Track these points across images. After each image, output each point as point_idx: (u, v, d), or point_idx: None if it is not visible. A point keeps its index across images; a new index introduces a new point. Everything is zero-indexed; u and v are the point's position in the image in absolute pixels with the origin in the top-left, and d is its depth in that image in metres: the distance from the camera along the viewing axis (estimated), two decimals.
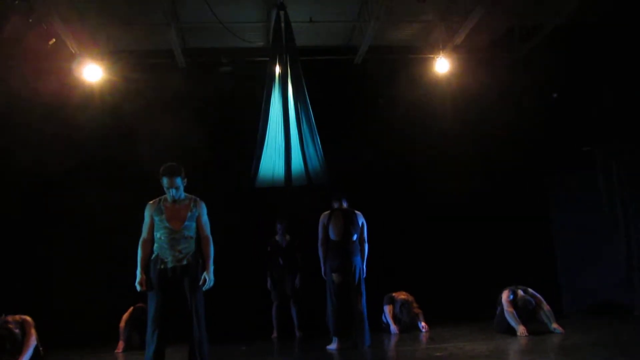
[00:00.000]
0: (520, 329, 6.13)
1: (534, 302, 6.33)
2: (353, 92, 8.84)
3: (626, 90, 8.02)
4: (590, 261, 8.32)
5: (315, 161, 8.73)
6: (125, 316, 6.89)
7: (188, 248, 4.39)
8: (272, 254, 7.56)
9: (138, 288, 4.31)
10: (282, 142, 8.70)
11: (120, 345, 6.70)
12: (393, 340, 6.49)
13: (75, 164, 7.92)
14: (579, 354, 4.75)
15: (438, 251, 8.43)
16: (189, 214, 4.41)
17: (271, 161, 8.57)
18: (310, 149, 8.72)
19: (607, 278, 8.16)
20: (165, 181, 4.37)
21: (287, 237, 7.63)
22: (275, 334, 7.43)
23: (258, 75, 8.07)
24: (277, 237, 7.63)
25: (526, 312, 6.31)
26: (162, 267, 4.32)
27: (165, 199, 4.45)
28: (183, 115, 7.98)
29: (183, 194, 4.47)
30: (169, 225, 4.35)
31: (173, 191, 4.37)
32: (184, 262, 4.34)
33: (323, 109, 8.27)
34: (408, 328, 7.12)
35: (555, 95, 8.70)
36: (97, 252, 7.84)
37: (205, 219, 4.51)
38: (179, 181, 4.38)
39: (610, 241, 8.11)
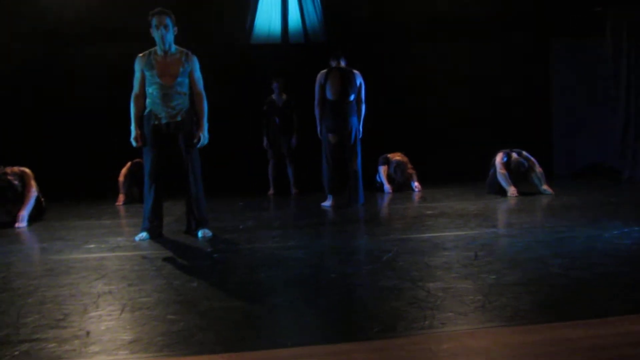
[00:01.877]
0: (511, 190, 6.29)
1: (526, 165, 6.41)
2: None
3: None
4: (586, 127, 8.34)
5: (313, 16, 8.35)
6: (123, 170, 6.99)
7: (182, 104, 4.29)
8: (268, 112, 7.47)
9: (134, 144, 4.30)
10: None
11: (121, 198, 6.88)
12: (386, 199, 6.67)
13: (69, 17, 7.55)
14: (567, 213, 4.90)
15: (435, 112, 8.38)
16: (181, 69, 4.25)
17: (267, 15, 8.19)
18: (308, 3, 8.30)
19: (600, 144, 8.25)
20: (154, 21, 4.18)
21: (284, 96, 7.47)
22: (271, 191, 7.60)
23: None
24: (274, 96, 7.48)
25: (518, 174, 6.42)
26: (156, 122, 4.26)
27: (156, 52, 4.26)
28: None
29: (174, 47, 4.28)
30: (160, 81, 4.21)
31: (162, 30, 4.17)
32: (178, 119, 4.28)
33: None
34: (401, 188, 7.29)
35: None
36: (93, 106, 7.76)
37: (198, 74, 4.36)
38: (168, 20, 4.19)
39: (610, 110, 8.05)
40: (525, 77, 8.55)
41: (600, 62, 8.07)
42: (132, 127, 4.28)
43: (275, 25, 8.27)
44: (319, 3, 8.28)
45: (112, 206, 6.69)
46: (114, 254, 3.78)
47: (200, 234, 4.34)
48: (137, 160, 6.63)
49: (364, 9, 8.31)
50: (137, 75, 4.30)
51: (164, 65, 4.24)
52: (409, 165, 7.34)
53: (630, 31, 7.74)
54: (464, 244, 3.66)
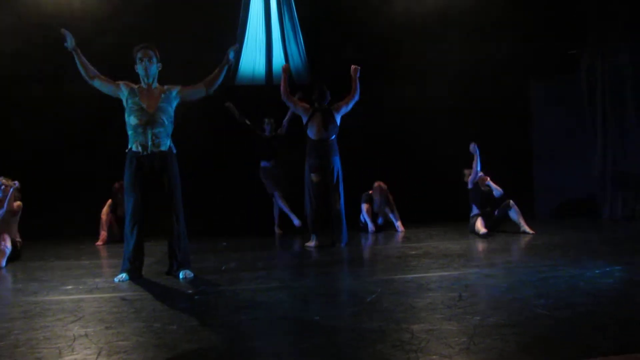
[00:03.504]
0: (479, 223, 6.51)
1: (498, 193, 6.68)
2: None
3: None
4: (566, 165, 8.45)
5: (297, 58, 8.48)
6: (105, 209, 6.92)
7: (165, 132, 4.27)
8: (259, 147, 7.38)
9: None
10: (264, 38, 8.39)
11: (102, 236, 6.78)
12: (370, 239, 6.65)
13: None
14: (549, 253, 4.92)
15: (417, 149, 8.44)
16: (163, 95, 4.28)
17: (252, 57, 8.30)
18: (292, 46, 8.44)
19: (579, 182, 8.35)
20: (139, 54, 4.24)
21: (274, 132, 7.42)
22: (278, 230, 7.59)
23: None
24: (266, 131, 7.41)
25: (487, 197, 6.69)
26: (140, 154, 4.20)
27: (140, 86, 4.30)
28: (162, 10, 7.57)
29: (156, 83, 4.32)
30: (144, 106, 4.21)
31: (146, 62, 4.23)
32: (162, 148, 4.25)
33: (306, 4, 7.87)
34: (385, 226, 7.31)
35: None
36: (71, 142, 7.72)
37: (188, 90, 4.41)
38: (152, 54, 4.26)
39: (587, 146, 8.22)
40: (506, 116, 8.69)
41: (577, 100, 8.27)
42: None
43: (260, 66, 8.38)
44: (303, 45, 8.43)
45: (91, 245, 6.58)
46: (91, 295, 3.68)
47: (181, 275, 4.26)
48: (117, 183, 6.62)
49: (347, 51, 8.46)
50: (110, 85, 4.29)
51: (147, 93, 4.27)
52: (389, 195, 7.38)
53: (604, 69, 7.97)
54: (448, 285, 3.64)
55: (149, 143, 4.20)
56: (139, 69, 4.27)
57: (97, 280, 4.27)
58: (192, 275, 4.28)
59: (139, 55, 4.25)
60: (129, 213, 4.28)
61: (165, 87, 4.35)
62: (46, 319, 3.04)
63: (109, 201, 6.96)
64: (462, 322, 2.70)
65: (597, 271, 3.92)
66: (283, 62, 8.43)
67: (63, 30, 4.14)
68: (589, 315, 2.79)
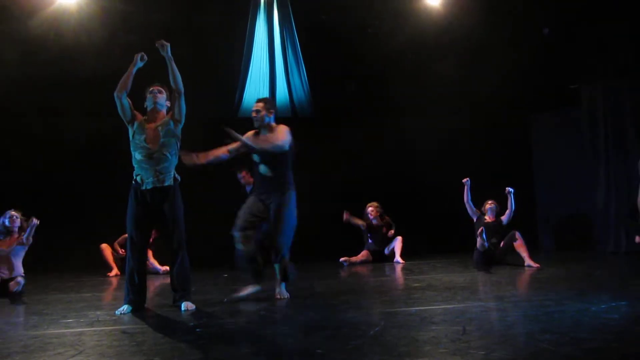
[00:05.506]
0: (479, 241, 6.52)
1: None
2: (340, 21, 8.55)
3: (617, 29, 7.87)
4: (569, 199, 8.45)
5: (300, 92, 8.57)
6: (121, 240, 6.99)
7: (168, 167, 4.32)
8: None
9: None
10: (267, 71, 8.50)
11: (114, 269, 6.91)
12: (372, 271, 6.61)
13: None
14: (554, 287, 4.88)
15: (419, 184, 8.47)
16: (162, 131, 4.31)
17: (255, 90, 8.38)
18: (295, 79, 8.54)
19: (583, 215, 8.33)
20: (149, 88, 4.35)
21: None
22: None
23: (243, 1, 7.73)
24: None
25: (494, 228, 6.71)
26: (143, 188, 4.25)
27: (147, 122, 4.35)
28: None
29: (161, 117, 4.40)
30: (148, 146, 4.27)
31: (157, 93, 4.34)
32: (166, 184, 4.29)
33: (309, 38, 7.99)
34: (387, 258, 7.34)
35: (546, 30, 8.51)
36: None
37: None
38: (163, 89, 4.39)
39: (591, 180, 8.21)
40: (508, 152, 8.73)
41: (579, 134, 8.30)
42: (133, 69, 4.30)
43: None
44: (306, 78, 8.53)
45: (92, 278, 6.55)
46: (92, 328, 3.66)
47: (183, 306, 4.23)
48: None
49: (351, 84, 8.57)
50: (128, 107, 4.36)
51: (152, 131, 4.32)
52: (385, 216, 7.44)
53: (605, 103, 8.02)
54: (452, 318, 3.60)
55: (154, 179, 4.26)
56: (149, 101, 4.37)
57: (98, 312, 4.24)
58: (193, 307, 4.26)
59: (149, 89, 4.38)
60: (130, 245, 4.30)
61: (167, 117, 4.41)
62: (46, 352, 3.01)
63: (125, 234, 7.10)
64: (466, 357, 2.67)
65: (602, 306, 3.87)
66: (286, 94, 8.53)
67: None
68: (595, 351, 2.75)
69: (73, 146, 7.80)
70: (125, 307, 4.20)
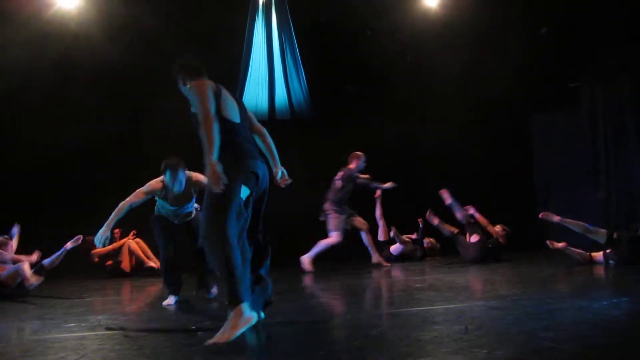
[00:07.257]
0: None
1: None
2: (339, 23, 8.57)
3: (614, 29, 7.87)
4: (568, 202, 8.44)
5: (299, 95, 8.58)
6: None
7: (189, 207, 4.78)
8: None
9: (97, 243, 4.35)
10: (266, 74, 8.51)
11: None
12: (373, 271, 6.61)
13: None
14: (555, 284, 4.88)
15: (419, 184, 8.46)
16: (188, 203, 4.73)
17: (254, 93, 8.40)
18: (294, 82, 8.56)
19: (584, 212, 8.30)
20: (168, 173, 4.50)
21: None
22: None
23: (241, 4, 7.74)
24: None
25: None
26: (167, 221, 4.78)
27: (171, 189, 4.58)
28: (166, 46, 7.70)
29: (184, 183, 4.59)
30: (172, 208, 4.68)
31: (177, 186, 4.54)
32: (187, 219, 4.83)
33: (308, 41, 7.99)
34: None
35: (544, 30, 8.52)
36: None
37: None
38: (181, 174, 4.53)
39: (590, 180, 8.20)
40: (508, 152, 8.73)
41: (579, 134, 8.29)
42: (104, 227, 4.33)
43: (262, 102, 8.48)
44: (305, 81, 8.55)
45: (95, 282, 6.54)
46: (94, 332, 3.65)
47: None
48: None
49: (349, 86, 8.58)
50: (142, 198, 4.51)
51: (177, 198, 4.65)
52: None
53: (605, 103, 8.02)
54: (454, 318, 3.59)
55: (177, 220, 4.78)
56: (169, 182, 4.52)
57: (99, 317, 4.23)
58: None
59: (169, 174, 4.50)
60: (164, 258, 4.78)
61: (192, 184, 4.65)
62: (47, 357, 3.00)
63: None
64: (468, 356, 2.66)
65: (604, 303, 3.87)
66: (285, 97, 8.54)
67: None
68: (598, 348, 2.74)
69: (74, 148, 7.79)
70: (170, 297, 4.65)
